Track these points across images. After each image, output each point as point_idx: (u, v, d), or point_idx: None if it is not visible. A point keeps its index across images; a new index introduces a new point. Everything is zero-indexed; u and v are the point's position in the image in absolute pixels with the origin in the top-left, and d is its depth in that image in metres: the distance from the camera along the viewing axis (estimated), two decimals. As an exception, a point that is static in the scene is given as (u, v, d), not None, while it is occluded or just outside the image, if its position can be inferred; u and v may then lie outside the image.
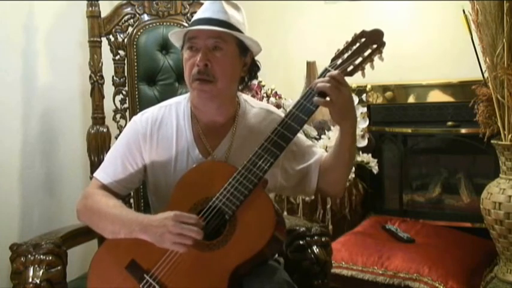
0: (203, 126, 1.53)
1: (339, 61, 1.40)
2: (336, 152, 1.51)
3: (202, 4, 2.04)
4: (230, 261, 1.31)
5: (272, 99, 2.79)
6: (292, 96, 2.78)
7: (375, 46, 1.39)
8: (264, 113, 1.58)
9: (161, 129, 1.53)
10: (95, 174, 1.55)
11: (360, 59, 1.39)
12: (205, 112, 1.53)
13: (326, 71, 1.39)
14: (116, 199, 1.50)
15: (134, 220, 1.38)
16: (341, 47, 1.42)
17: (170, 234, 1.31)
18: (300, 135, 1.60)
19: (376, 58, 1.40)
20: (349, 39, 1.42)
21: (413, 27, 2.87)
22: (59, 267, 1.51)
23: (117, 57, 2.05)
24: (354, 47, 1.40)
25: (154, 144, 1.52)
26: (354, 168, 2.67)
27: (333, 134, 2.71)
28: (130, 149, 1.52)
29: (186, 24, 2.04)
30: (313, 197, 2.45)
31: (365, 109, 2.77)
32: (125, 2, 2.06)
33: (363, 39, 1.40)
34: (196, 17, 1.49)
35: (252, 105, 1.58)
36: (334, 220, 2.69)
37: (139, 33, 2.04)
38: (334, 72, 1.36)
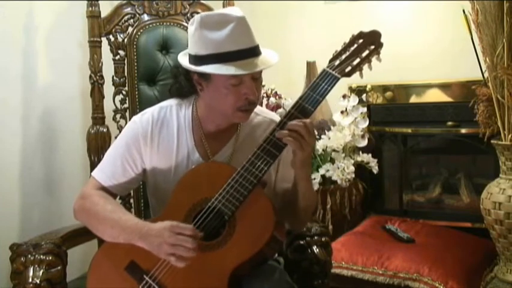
0: (206, 131, 1.53)
1: (337, 62, 1.40)
2: (292, 192, 1.49)
3: (202, 4, 2.07)
4: (229, 262, 1.31)
5: (272, 99, 2.79)
6: (292, 96, 2.78)
7: (372, 47, 1.40)
8: (268, 122, 1.57)
9: (162, 131, 1.52)
10: (93, 174, 1.54)
11: (357, 60, 1.39)
12: (215, 123, 1.52)
13: (324, 72, 1.39)
14: (114, 201, 1.50)
15: (134, 227, 1.37)
16: (339, 48, 1.42)
17: (166, 246, 1.30)
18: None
19: (373, 59, 1.40)
20: (347, 40, 1.42)
21: (414, 27, 2.87)
22: (59, 267, 1.51)
23: (117, 57, 2.04)
24: (352, 48, 1.41)
25: (155, 146, 1.51)
26: (353, 168, 2.67)
27: (333, 134, 2.72)
28: (130, 150, 1.51)
29: (186, 25, 2.04)
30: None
31: (365, 109, 2.77)
32: (125, 2, 2.05)
33: (361, 40, 1.41)
34: (231, 43, 1.37)
35: (256, 112, 1.56)
36: (334, 220, 2.69)
37: (139, 33, 2.04)
38: (299, 124, 1.33)
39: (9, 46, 2.04)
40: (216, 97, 1.44)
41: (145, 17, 2.06)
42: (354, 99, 2.75)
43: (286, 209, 1.51)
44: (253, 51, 1.41)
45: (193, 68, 1.43)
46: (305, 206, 1.48)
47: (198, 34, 1.41)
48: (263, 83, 2.73)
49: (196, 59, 1.42)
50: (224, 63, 1.37)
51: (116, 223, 1.39)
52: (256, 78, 1.43)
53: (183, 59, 1.48)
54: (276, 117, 1.62)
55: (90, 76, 2.00)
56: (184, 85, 1.51)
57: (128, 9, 2.05)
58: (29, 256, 1.49)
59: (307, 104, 1.37)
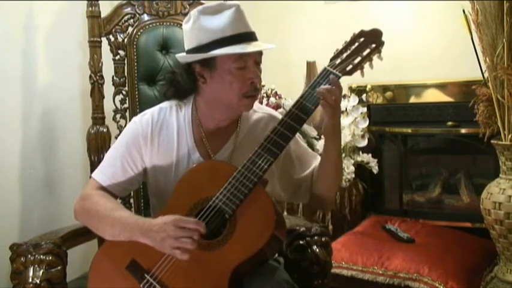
0: (206, 130, 1.52)
1: (338, 61, 1.40)
2: (322, 167, 1.52)
3: (202, 4, 2.07)
4: (230, 261, 1.31)
5: (272, 99, 2.79)
6: (292, 96, 2.78)
7: (373, 45, 1.40)
8: (267, 118, 1.57)
9: (162, 132, 1.52)
10: (93, 175, 1.54)
11: (358, 59, 1.40)
12: (216, 119, 1.52)
13: (325, 70, 1.40)
14: (115, 200, 1.50)
15: (134, 224, 1.37)
16: (340, 47, 1.42)
17: (170, 239, 1.30)
18: (301, 143, 1.61)
19: (375, 57, 1.41)
20: (348, 39, 1.42)
21: (414, 27, 2.87)
22: (59, 267, 1.51)
23: (117, 57, 2.04)
24: (353, 47, 1.41)
25: (155, 147, 1.51)
26: (353, 168, 2.67)
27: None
28: (130, 151, 1.51)
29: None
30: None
31: (365, 109, 2.77)
32: (125, 2, 2.05)
33: (362, 39, 1.41)
34: (233, 27, 1.40)
35: (255, 109, 1.56)
36: (334, 220, 2.69)
37: (139, 33, 2.04)
38: (332, 88, 1.37)
39: (9, 46, 2.04)
40: (220, 87, 1.44)
41: (145, 17, 2.06)
42: (354, 99, 2.75)
43: (315, 191, 1.55)
44: (253, 36, 1.44)
45: (198, 56, 1.43)
46: (336, 179, 1.54)
47: (198, 25, 1.42)
48: (263, 83, 2.76)
49: (199, 50, 1.43)
50: (229, 46, 1.39)
51: (117, 221, 1.39)
52: (258, 63, 1.45)
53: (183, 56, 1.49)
54: (274, 112, 1.63)
55: (90, 76, 2.00)
56: (183, 83, 1.51)
57: (128, 9, 2.05)
58: (29, 256, 1.49)
59: (308, 103, 1.37)
